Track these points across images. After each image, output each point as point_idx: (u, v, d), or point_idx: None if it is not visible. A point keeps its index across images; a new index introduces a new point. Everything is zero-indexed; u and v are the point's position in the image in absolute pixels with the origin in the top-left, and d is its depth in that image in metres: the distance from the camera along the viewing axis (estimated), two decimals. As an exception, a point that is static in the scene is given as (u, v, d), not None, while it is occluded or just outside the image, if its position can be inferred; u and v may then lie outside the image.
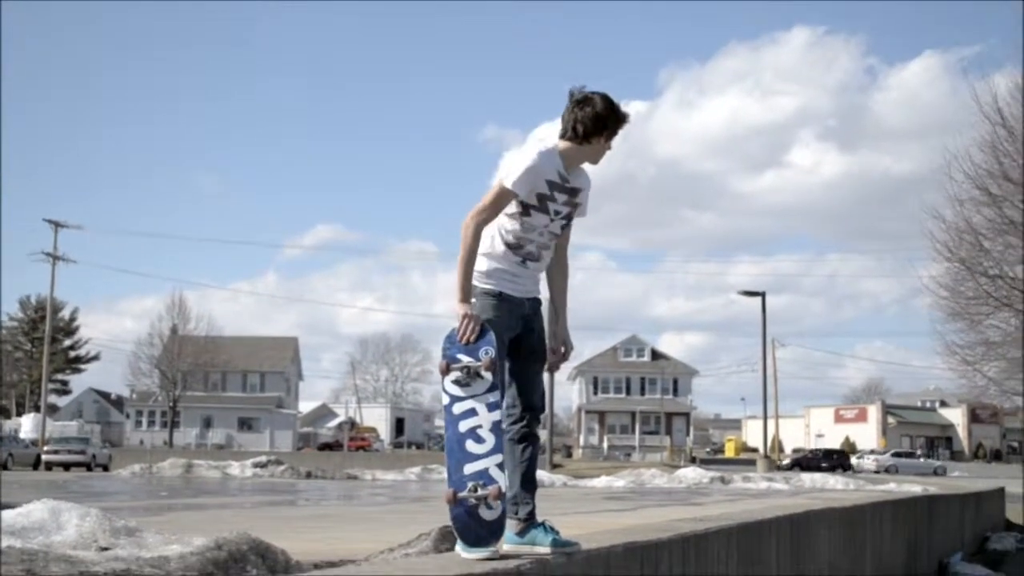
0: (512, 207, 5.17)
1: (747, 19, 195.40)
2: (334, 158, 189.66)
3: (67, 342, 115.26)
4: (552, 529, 5.11)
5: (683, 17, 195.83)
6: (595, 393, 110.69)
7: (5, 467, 53.37)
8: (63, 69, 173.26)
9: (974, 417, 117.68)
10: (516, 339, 5.21)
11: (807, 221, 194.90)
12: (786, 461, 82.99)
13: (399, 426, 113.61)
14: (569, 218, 5.35)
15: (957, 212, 37.47)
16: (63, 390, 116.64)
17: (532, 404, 5.28)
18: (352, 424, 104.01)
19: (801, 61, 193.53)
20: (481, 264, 5.21)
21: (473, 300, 5.05)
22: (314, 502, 22.44)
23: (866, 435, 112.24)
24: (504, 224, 5.20)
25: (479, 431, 4.85)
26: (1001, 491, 34.93)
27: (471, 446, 4.84)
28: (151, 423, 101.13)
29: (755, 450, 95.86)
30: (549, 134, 5.37)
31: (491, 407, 4.88)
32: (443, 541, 6.23)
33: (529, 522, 5.16)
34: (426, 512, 14.81)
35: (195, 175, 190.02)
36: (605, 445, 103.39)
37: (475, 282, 5.17)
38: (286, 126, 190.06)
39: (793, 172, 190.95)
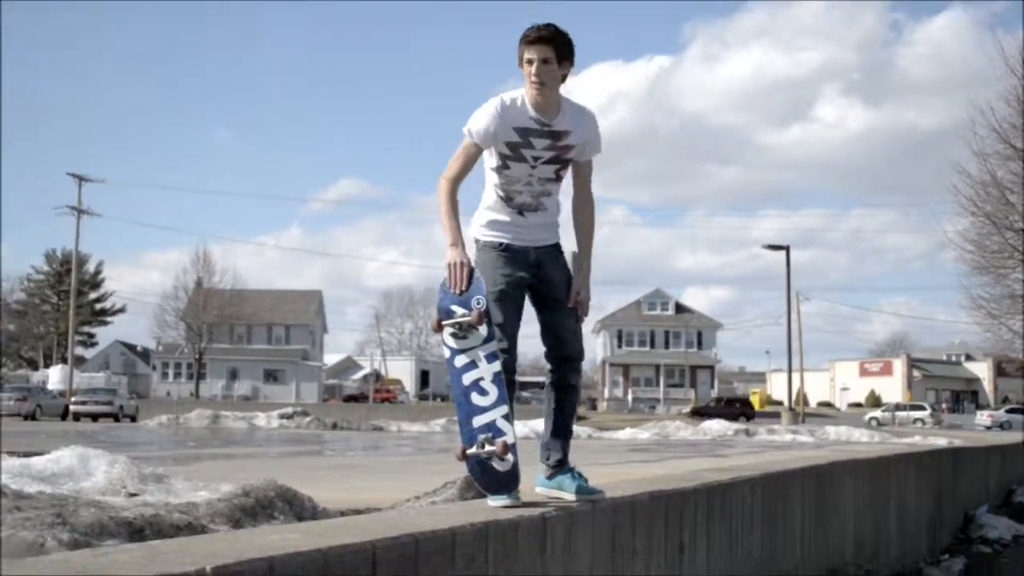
0: (493, 160, 5.15)
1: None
2: (357, 112, 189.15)
3: (93, 295, 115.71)
4: (580, 476, 5.14)
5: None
6: (619, 346, 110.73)
7: (34, 417, 53.76)
8: (84, 23, 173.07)
9: (1000, 371, 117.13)
10: (536, 289, 5.20)
11: (832, 175, 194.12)
12: (686, 409, 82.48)
13: (424, 378, 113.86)
14: (560, 162, 5.20)
15: (982, 166, 37.25)
16: (90, 342, 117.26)
17: (564, 354, 5.25)
18: (377, 376, 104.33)
19: (825, 16, 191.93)
20: (482, 217, 5.24)
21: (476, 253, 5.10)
22: (340, 452, 22.55)
23: (891, 388, 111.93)
24: (491, 178, 5.19)
25: (481, 383, 4.83)
26: (1026, 444, 34.84)
27: (476, 399, 4.82)
28: (177, 375, 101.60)
29: (780, 403, 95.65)
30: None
31: (490, 358, 4.84)
32: (468, 489, 6.26)
33: (558, 468, 5.20)
34: (451, 463, 14.87)
35: (218, 129, 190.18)
36: (630, 398, 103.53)
37: (478, 236, 5.22)
38: (309, 80, 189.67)
39: (818, 126, 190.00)
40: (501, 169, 5.16)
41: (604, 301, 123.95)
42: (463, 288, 4.87)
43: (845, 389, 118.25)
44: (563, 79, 5.13)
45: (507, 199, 5.19)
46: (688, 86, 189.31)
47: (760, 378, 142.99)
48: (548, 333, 5.25)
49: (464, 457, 4.77)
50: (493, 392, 4.77)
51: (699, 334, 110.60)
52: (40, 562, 2.66)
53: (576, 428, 38.56)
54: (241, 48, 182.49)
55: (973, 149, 37.11)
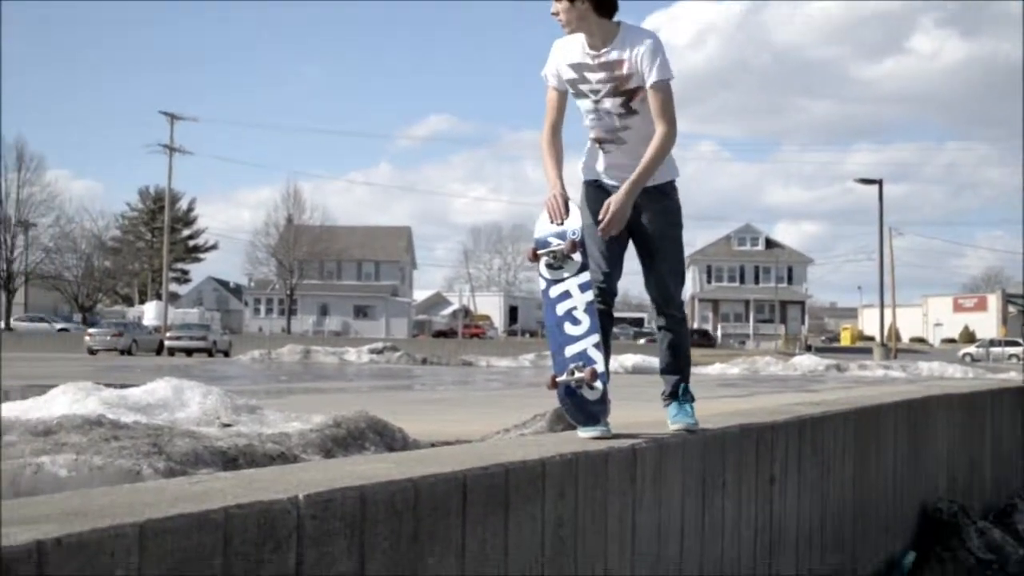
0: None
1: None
2: (446, 48, 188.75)
3: (186, 232, 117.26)
4: (685, 408, 5.23)
5: None
6: (708, 282, 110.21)
7: (130, 352, 54.80)
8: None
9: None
10: (631, 230, 5.19)
11: (927, 109, 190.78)
12: (642, 341, 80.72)
13: (512, 314, 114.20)
14: (624, 93, 5.09)
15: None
16: (183, 279, 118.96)
17: (653, 297, 5.36)
18: (466, 312, 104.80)
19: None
20: (583, 157, 5.31)
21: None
22: (430, 387, 22.74)
23: (986, 324, 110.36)
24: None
25: (574, 312, 4.83)
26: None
27: (568, 328, 4.83)
28: (269, 311, 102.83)
29: (871, 339, 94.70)
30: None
31: (583, 287, 4.85)
32: (558, 422, 6.28)
33: (666, 400, 5.36)
34: (540, 397, 14.90)
35: (307, 66, 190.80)
36: (719, 333, 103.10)
37: (580, 174, 5.32)
38: (398, 14, 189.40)
39: (913, 59, 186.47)
40: (580, 107, 5.16)
41: (693, 237, 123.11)
42: (560, 219, 4.90)
43: (938, 325, 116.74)
44: (595, 8, 5.02)
45: (592, 136, 5.21)
46: (780, 19, 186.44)
47: (852, 314, 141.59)
48: (645, 276, 5.32)
49: (554, 385, 4.78)
50: (585, 321, 4.78)
51: (789, 269, 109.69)
52: (136, 489, 2.70)
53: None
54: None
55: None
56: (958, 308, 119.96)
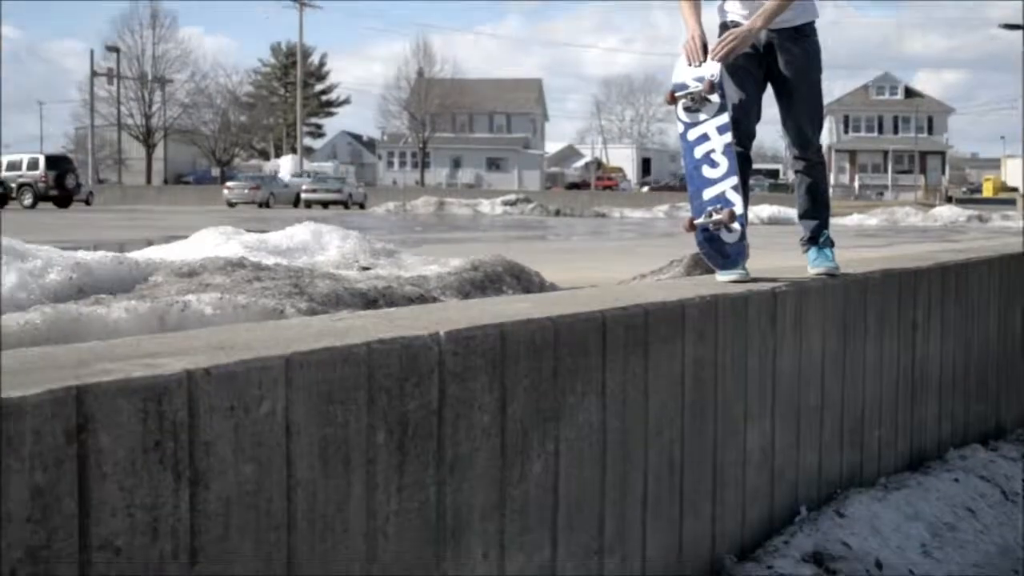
0: None
1: None
2: None
3: (318, 87, 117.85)
4: (824, 252, 5.17)
5: None
6: (846, 132, 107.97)
7: (267, 205, 55.74)
8: None
9: None
10: (769, 73, 5.10)
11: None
12: (645, 188, 78.12)
13: (645, 166, 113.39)
14: None
15: None
16: (317, 133, 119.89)
17: (791, 141, 5.29)
18: (598, 164, 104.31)
19: None
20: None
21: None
22: (564, 237, 22.77)
23: None
24: None
25: (712, 155, 4.79)
26: None
27: (707, 171, 4.79)
28: (402, 164, 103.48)
29: (1015, 189, 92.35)
30: None
31: (721, 129, 4.80)
32: (695, 267, 6.23)
33: (804, 245, 5.33)
34: (674, 246, 14.81)
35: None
36: (856, 184, 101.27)
37: (720, 17, 5.17)
38: None
39: None
40: None
41: (830, 86, 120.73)
42: (698, 61, 4.82)
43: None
44: None
45: None
46: None
47: (994, 164, 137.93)
48: (782, 120, 5.25)
49: (691, 228, 4.75)
50: (723, 163, 4.73)
51: (929, 119, 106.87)
52: (280, 325, 2.74)
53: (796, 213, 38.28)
54: None
55: None
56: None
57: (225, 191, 58.78)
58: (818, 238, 5.28)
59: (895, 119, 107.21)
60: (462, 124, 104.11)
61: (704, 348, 3.89)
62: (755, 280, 4.59)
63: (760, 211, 43.45)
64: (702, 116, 4.82)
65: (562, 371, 3.07)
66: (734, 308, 4.11)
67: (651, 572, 3.58)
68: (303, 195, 59.63)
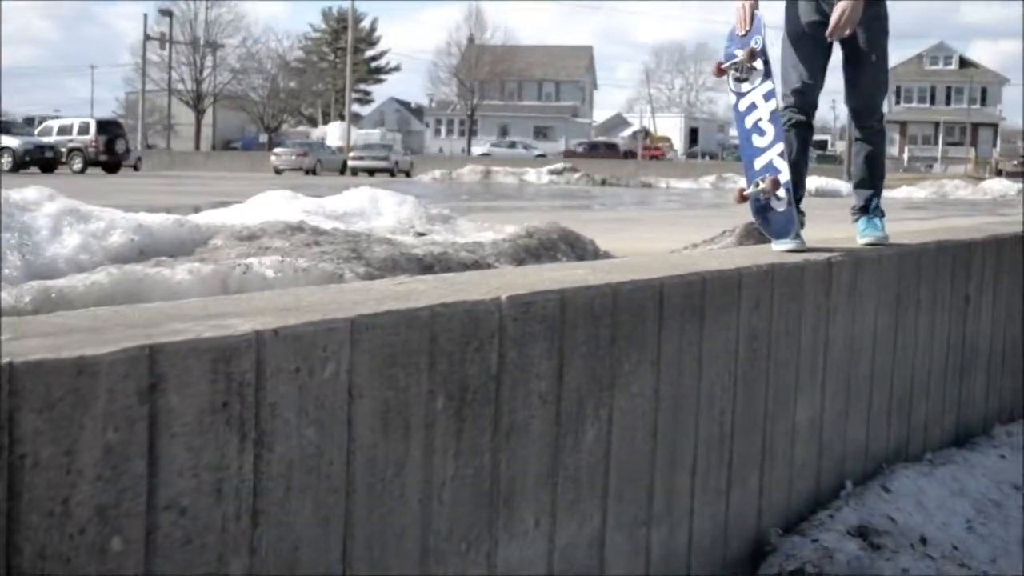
0: None
1: None
2: None
3: (368, 52, 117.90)
4: (873, 223, 5.14)
5: None
6: (897, 102, 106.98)
7: (314, 172, 55.94)
8: None
9: None
10: (843, 40, 5.05)
11: None
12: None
13: (693, 136, 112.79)
14: None
15: None
16: (365, 99, 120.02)
17: (854, 107, 5.25)
18: (646, 134, 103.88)
19: None
20: None
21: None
22: (611, 207, 22.73)
23: None
24: None
25: (760, 123, 4.78)
26: None
27: (756, 140, 4.79)
28: (449, 132, 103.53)
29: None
30: None
31: (767, 96, 4.78)
32: (747, 237, 6.23)
33: (856, 213, 5.30)
34: (723, 216, 14.75)
35: None
36: (906, 156, 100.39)
37: None
38: None
39: None
40: None
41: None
42: (745, 29, 4.79)
43: None
44: None
45: None
46: None
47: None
48: (847, 86, 5.20)
49: (743, 199, 4.75)
50: (770, 131, 4.73)
51: (983, 90, 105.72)
52: (343, 289, 2.77)
53: (847, 186, 37.85)
54: None
55: None
56: None
57: (272, 157, 59.04)
58: (869, 207, 5.26)
59: (948, 90, 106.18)
60: (511, 92, 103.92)
61: (759, 317, 3.89)
62: (811, 250, 4.58)
63: (808, 183, 43.14)
64: (750, 85, 4.82)
65: (619, 339, 3.08)
66: (790, 277, 4.10)
67: (697, 544, 3.60)
68: (350, 163, 59.79)
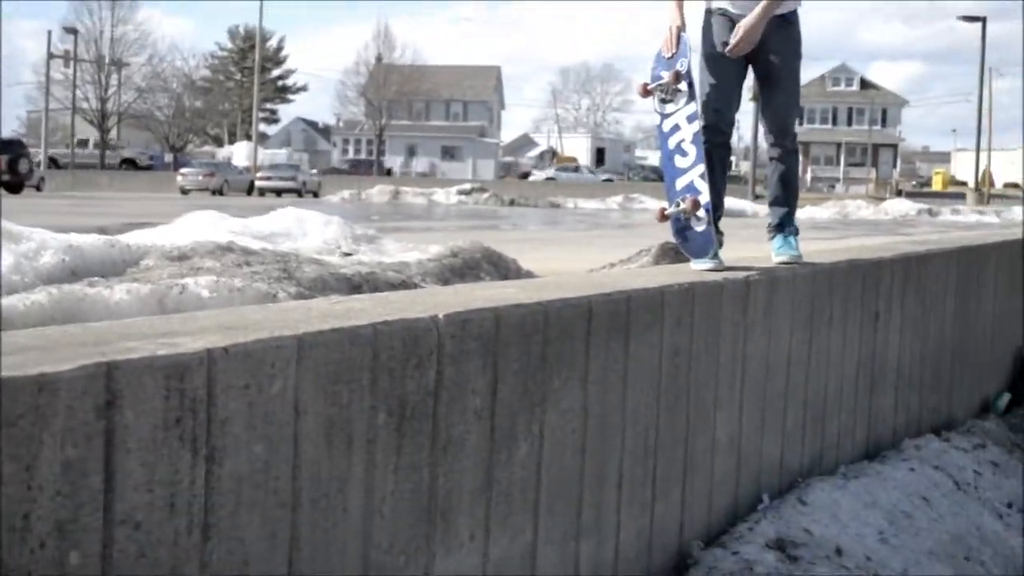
0: None
1: None
2: None
3: (275, 72, 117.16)
4: (788, 241, 5.26)
5: None
6: (800, 123, 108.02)
7: (221, 192, 55.39)
8: None
9: None
10: (752, 60, 5.17)
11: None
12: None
13: (600, 156, 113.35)
14: None
15: None
16: (272, 119, 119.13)
17: (769, 128, 5.37)
18: (553, 154, 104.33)
19: None
20: None
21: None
22: (521, 227, 22.84)
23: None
24: None
25: (683, 144, 4.89)
26: None
27: (679, 161, 4.90)
28: (357, 151, 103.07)
29: (964, 184, 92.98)
30: None
31: (690, 118, 4.89)
32: (663, 256, 6.33)
33: (771, 232, 5.39)
34: (632, 236, 14.92)
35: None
36: (808, 176, 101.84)
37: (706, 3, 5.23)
38: None
39: None
40: None
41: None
42: (673, 50, 4.91)
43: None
44: None
45: None
46: None
47: (944, 158, 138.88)
48: (762, 106, 5.35)
49: (664, 218, 4.85)
50: (692, 152, 4.84)
51: (883, 111, 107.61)
52: (284, 307, 2.81)
53: (753, 206, 38.28)
54: None
55: None
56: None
57: (179, 178, 58.33)
58: (784, 226, 5.38)
59: (849, 111, 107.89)
60: (419, 111, 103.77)
61: (680, 335, 3.98)
62: (729, 269, 4.69)
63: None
64: (674, 107, 4.92)
65: (549, 356, 3.15)
66: (709, 296, 4.21)
67: (623, 557, 3.68)
68: (258, 183, 59.27)
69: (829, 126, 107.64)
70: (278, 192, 57.09)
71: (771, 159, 5.47)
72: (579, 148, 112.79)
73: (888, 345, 6.26)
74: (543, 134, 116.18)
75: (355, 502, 2.46)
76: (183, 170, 61.28)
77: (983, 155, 67.55)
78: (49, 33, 79.96)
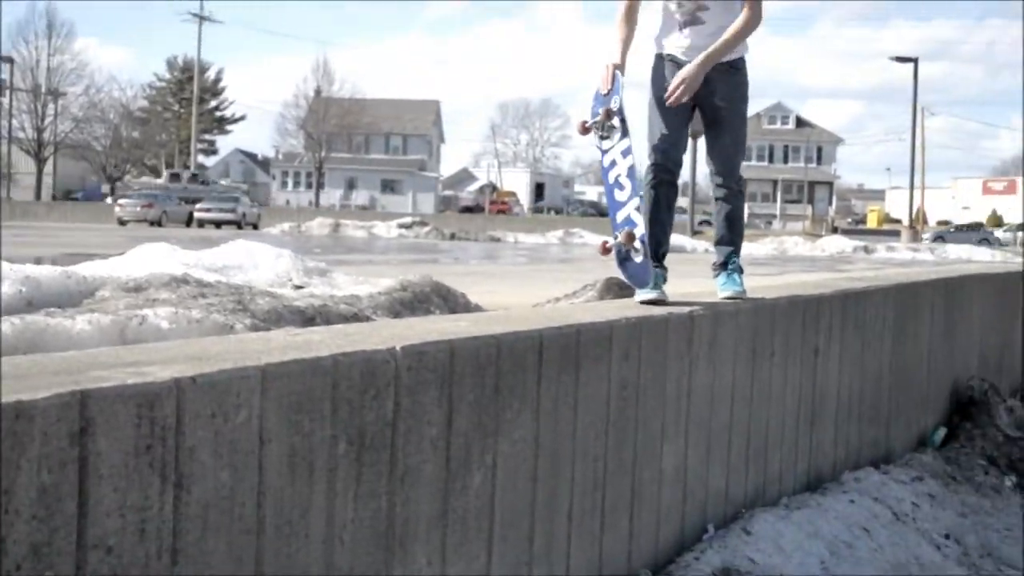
0: None
1: None
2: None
3: (213, 103, 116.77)
4: (733, 278, 5.36)
5: None
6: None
7: (160, 224, 55.06)
8: None
9: None
10: (698, 105, 5.29)
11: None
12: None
13: (539, 191, 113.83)
14: None
15: None
16: (210, 150, 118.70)
17: (715, 169, 5.45)
18: (493, 188, 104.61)
19: None
20: (657, 30, 5.36)
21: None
22: (463, 261, 22.92)
23: (1015, 208, 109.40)
24: None
25: (620, 179, 4.99)
26: None
27: (618, 194, 4.99)
28: (296, 184, 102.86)
29: (898, 221, 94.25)
30: None
31: (624, 153, 5.00)
32: (607, 291, 6.41)
33: (715, 269, 5.51)
34: (573, 271, 15.03)
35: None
36: (746, 213, 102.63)
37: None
38: None
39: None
40: None
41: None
42: (607, 88, 5.03)
43: (966, 208, 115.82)
44: None
45: (668, 12, 5.28)
46: None
47: (879, 195, 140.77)
48: (708, 148, 5.43)
49: (606, 251, 4.93)
50: (628, 186, 4.96)
51: (819, 149, 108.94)
52: (244, 339, 2.86)
53: (693, 242, 38.59)
54: None
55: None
56: (987, 191, 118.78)
57: (117, 208, 57.96)
58: (728, 263, 5.49)
59: (785, 148, 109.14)
60: (358, 145, 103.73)
61: (628, 368, 4.06)
62: (673, 303, 4.78)
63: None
64: (611, 143, 5.04)
65: (502, 388, 3.22)
66: (655, 330, 4.29)
67: (572, 585, 3.74)
68: (196, 214, 58.96)
69: (766, 163, 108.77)
70: (217, 224, 56.81)
71: (717, 199, 5.57)
72: (519, 183, 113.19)
73: (828, 380, 6.37)
74: (482, 168, 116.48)
75: (317, 529, 2.51)
76: (121, 200, 60.84)
77: (916, 193, 68.38)
78: (-17, 63, 79.19)
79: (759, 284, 7.09)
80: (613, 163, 5.03)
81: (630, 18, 5.23)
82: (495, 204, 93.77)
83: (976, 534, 6.35)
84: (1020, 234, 79.41)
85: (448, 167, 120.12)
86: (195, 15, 73.78)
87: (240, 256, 5.30)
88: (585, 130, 5.08)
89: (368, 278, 5.14)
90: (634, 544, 4.20)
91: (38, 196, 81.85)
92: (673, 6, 5.23)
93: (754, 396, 5.34)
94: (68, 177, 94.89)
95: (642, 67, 5.38)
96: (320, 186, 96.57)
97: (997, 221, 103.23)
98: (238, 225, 57.17)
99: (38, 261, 10.24)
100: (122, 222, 54.81)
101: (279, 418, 2.38)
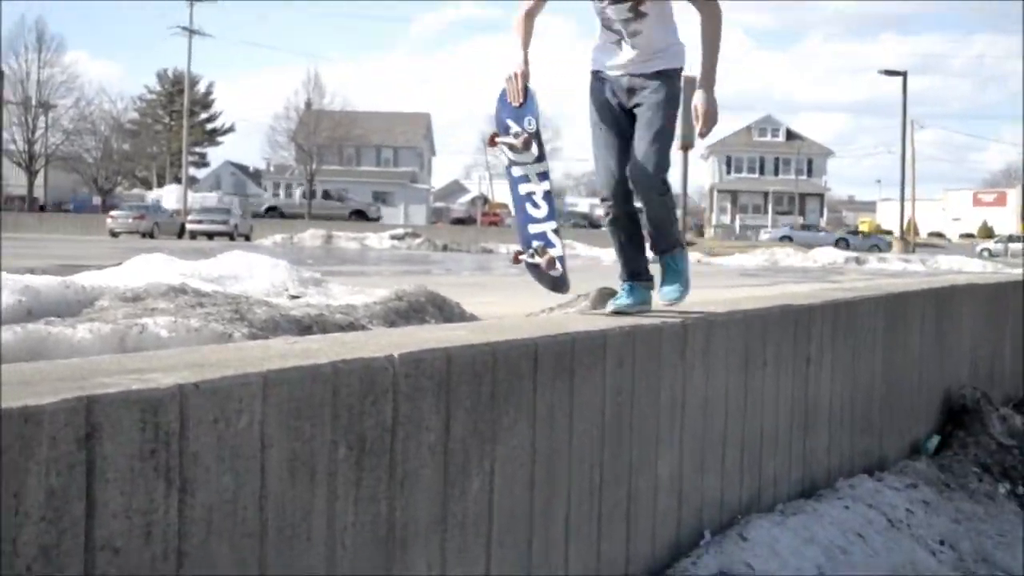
0: None
1: None
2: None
3: (204, 115, 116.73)
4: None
5: None
6: (728, 172, 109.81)
7: (151, 236, 55.05)
8: None
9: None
10: (632, 116, 4.96)
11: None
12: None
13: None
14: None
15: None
16: (201, 162, 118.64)
17: (633, 176, 4.92)
18: (484, 200, 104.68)
19: None
20: (594, 46, 5.08)
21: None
22: (455, 272, 22.94)
23: (1005, 220, 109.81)
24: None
25: (534, 197, 4.90)
26: None
27: (530, 209, 4.91)
28: (288, 195, 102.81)
29: (889, 232, 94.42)
30: None
31: (541, 177, 4.90)
32: (601, 301, 6.45)
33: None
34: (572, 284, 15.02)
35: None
36: (737, 224, 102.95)
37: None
38: None
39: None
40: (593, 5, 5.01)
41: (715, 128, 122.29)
42: (519, 101, 4.78)
43: (956, 220, 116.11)
44: None
45: (605, 27, 5.00)
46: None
47: (870, 207, 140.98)
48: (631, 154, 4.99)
49: (517, 261, 4.91)
50: (544, 208, 4.87)
51: (809, 161, 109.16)
52: (243, 347, 2.89)
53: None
54: None
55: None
56: (977, 202, 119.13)
57: (109, 220, 57.92)
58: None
59: (776, 160, 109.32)
60: (349, 157, 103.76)
61: (622, 377, 4.10)
62: (662, 312, 4.81)
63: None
64: (524, 159, 4.89)
65: (499, 395, 3.25)
66: (650, 338, 4.33)
67: (570, 590, 3.77)
68: (188, 226, 58.98)
69: (756, 175, 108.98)
70: (209, 235, 56.80)
71: (638, 209, 5.11)
72: (510, 195, 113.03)
73: (820, 389, 6.41)
74: (474, 180, 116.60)
75: (318, 532, 2.54)
76: (113, 212, 60.84)
77: (907, 205, 68.55)
78: (-25, 76, 79.07)
79: (751, 294, 7.14)
80: (526, 178, 4.90)
81: (529, 22, 4.93)
82: (487, 216, 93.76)
83: (971, 540, 6.40)
84: (1014, 246, 79.52)
85: (439, 179, 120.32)
86: (185, 28, 73.75)
87: (236, 266, 5.34)
88: (493, 144, 4.93)
89: (363, 288, 5.18)
90: (631, 549, 4.24)
91: (29, 208, 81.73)
92: (611, 12, 4.89)
93: (747, 404, 5.38)
94: (59, 189, 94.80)
95: (574, 79, 5.12)
96: (312, 197, 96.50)
97: (988, 232, 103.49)
98: (230, 236, 57.17)
99: (31, 272, 10.26)
100: (114, 234, 54.81)
101: (280, 424, 2.41)
